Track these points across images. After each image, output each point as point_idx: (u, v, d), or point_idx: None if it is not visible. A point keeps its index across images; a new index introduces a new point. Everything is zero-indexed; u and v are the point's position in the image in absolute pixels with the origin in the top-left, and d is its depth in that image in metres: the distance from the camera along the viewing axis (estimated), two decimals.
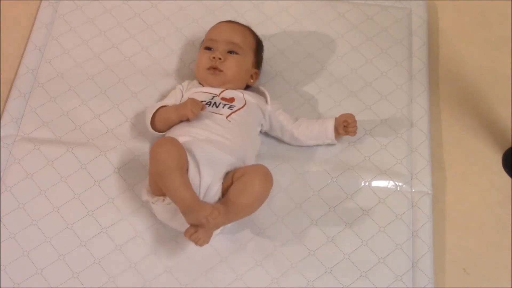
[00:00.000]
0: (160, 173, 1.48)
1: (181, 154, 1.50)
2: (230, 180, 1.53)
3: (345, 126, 1.68)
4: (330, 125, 1.70)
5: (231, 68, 1.70)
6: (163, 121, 1.64)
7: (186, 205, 1.44)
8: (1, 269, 1.55)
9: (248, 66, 1.74)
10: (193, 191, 1.46)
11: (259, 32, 1.82)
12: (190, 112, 1.58)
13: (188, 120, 1.60)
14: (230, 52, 1.71)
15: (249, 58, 1.75)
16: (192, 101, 1.61)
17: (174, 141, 1.52)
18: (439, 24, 2.03)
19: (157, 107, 1.66)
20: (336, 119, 1.70)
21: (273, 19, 1.96)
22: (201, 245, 1.47)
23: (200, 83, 1.74)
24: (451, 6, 2.06)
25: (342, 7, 1.99)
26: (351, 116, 1.68)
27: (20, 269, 1.56)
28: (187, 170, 1.51)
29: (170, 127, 1.64)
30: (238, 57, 1.72)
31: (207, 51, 1.72)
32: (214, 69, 1.70)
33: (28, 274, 1.55)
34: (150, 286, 1.55)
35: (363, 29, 1.96)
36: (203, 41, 1.80)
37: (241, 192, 1.50)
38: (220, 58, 1.69)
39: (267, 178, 1.53)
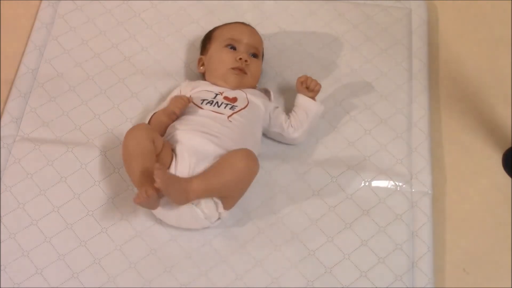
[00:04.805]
0: (123, 160, 1.53)
1: (146, 139, 1.51)
2: None
3: (307, 87, 1.71)
4: (301, 98, 1.72)
5: (254, 72, 1.74)
6: (157, 126, 1.64)
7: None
8: (1, 269, 1.55)
9: (261, 69, 1.78)
10: (149, 178, 1.47)
11: (259, 32, 1.82)
12: (176, 108, 1.60)
13: (175, 115, 1.61)
14: (252, 55, 1.74)
15: (261, 62, 1.78)
16: (175, 99, 1.63)
17: (142, 127, 1.55)
18: (439, 24, 2.03)
19: (151, 115, 1.67)
20: (297, 90, 1.74)
21: (273, 19, 1.96)
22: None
23: (207, 81, 1.74)
24: (451, 6, 2.06)
25: (342, 7, 1.99)
26: (303, 77, 1.72)
27: (20, 269, 1.56)
28: (173, 157, 1.55)
29: (165, 129, 1.65)
30: (258, 61, 1.76)
31: (231, 50, 1.73)
32: (239, 70, 1.71)
33: (28, 274, 1.55)
34: (150, 286, 1.55)
35: (363, 29, 1.96)
36: (210, 36, 1.79)
37: (222, 162, 1.52)
38: (246, 61, 1.71)
39: (250, 154, 1.53)
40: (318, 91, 1.72)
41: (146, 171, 1.49)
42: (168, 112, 1.62)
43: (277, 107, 1.73)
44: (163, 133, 1.65)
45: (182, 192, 1.47)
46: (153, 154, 1.52)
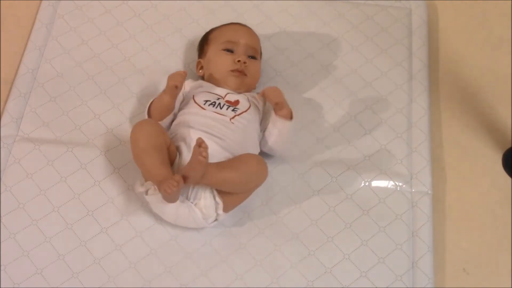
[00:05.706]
0: (136, 154, 1.53)
1: (158, 133, 1.53)
2: None
3: (277, 104, 1.63)
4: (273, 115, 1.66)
5: (253, 73, 1.73)
6: (158, 108, 1.64)
7: (160, 180, 1.47)
8: (1, 269, 1.55)
9: (260, 70, 1.78)
10: (168, 168, 1.49)
11: (259, 32, 1.82)
12: (177, 82, 1.58)
13: (177, 89, 1.60)
14: (250, 57, 1.74)
15: (260, 62, 1.78)
16: (171, 75, 1.61)
17: (151, 122, 1.57)
18: (439, 24, 2.03)
19: (149, 104, 1.67)
20: (273, 109, 1.66)
21: (273, 19, 1.96)
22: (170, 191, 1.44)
23: (209, 82, 1.74)
24: (451, 6, 2.06)
25: (342, 7, 1.99)
26: (273, 94, 1.64)
27: (20, 269, 1.56)
28: (177, 152, 1.56)
29: (167, 111, 1.64)
30: (257, 62, 1.75)
31: (228, 53, 1.73)
32: (239, 72, 1.70)
33: (28, 274, 1.55)
34: (150, 286, 1.55)
35: (363, 29, 1.96)
36: (207, 39, 1.79)
37: (237, 159, 1.53)
38: (245, 63, 1.70)
39: (263, 161, 1.56)
40: (274, 99, 1.62)
41: (164, 163, 1.49)
42: (169, 88, 1.60)
43: (270, 112, 1.71)
44: (168, 114, 1.65)
45: (201, 172, 1.47)
46: (166, 147, 1.54)
